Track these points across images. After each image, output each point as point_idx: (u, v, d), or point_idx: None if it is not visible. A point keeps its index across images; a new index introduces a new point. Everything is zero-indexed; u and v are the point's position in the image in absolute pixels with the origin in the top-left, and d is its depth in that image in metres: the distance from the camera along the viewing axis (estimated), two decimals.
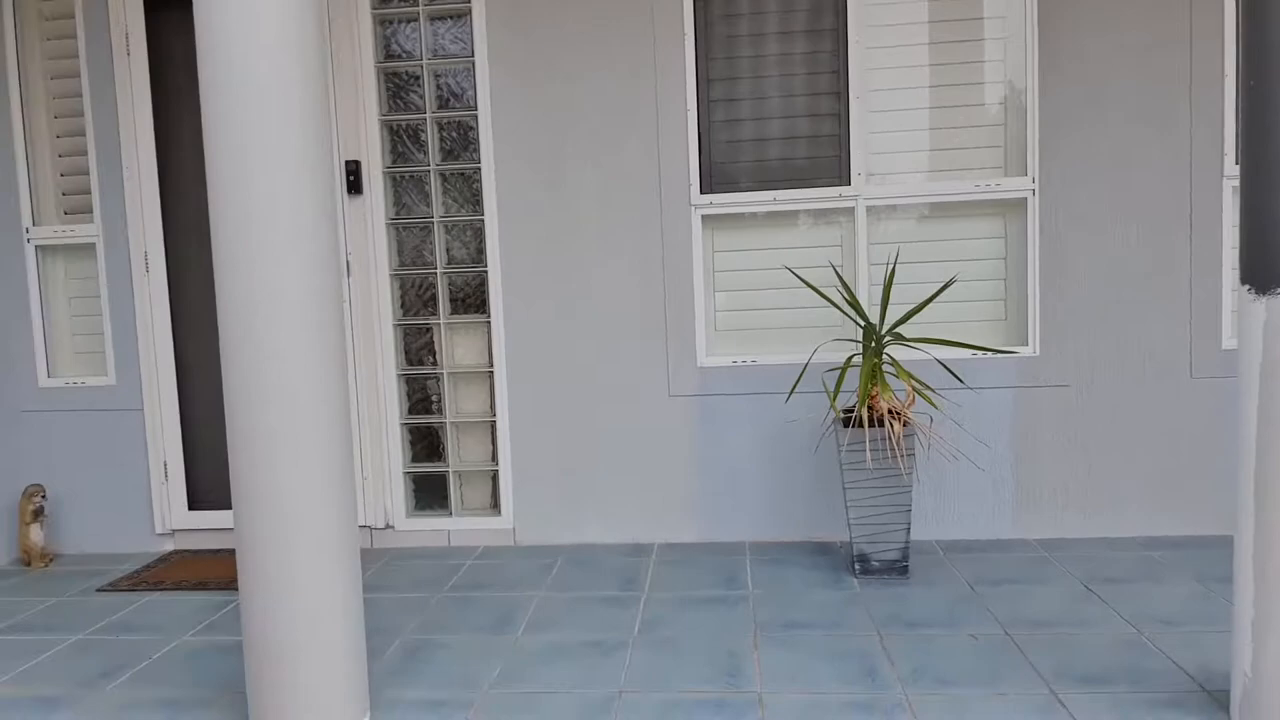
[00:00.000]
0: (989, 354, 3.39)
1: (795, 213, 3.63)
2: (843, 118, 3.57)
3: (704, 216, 3.63)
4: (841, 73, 3.55)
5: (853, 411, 3.13)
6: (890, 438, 3.02)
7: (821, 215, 3.63)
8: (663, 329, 3.62)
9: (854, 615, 2.82)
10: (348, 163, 3.64)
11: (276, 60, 1.97)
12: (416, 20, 3.68)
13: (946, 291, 3.49)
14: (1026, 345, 3.51)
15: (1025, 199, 3.49)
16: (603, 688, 2.40)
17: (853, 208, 3.58)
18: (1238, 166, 3.37)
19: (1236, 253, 3.41)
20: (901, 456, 3.03)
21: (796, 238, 3.65)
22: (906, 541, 3.12)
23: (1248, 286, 1.97)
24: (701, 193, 3.61)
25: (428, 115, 3.70)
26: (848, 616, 2.81)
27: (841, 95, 3.56)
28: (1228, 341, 3.43)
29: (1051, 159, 3.44)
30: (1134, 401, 3.46)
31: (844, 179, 3.58)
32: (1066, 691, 2.27)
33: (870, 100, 3.56)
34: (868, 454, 3.04)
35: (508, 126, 3.63)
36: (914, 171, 3.58)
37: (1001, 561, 3.26)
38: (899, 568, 3.14)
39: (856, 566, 3.17)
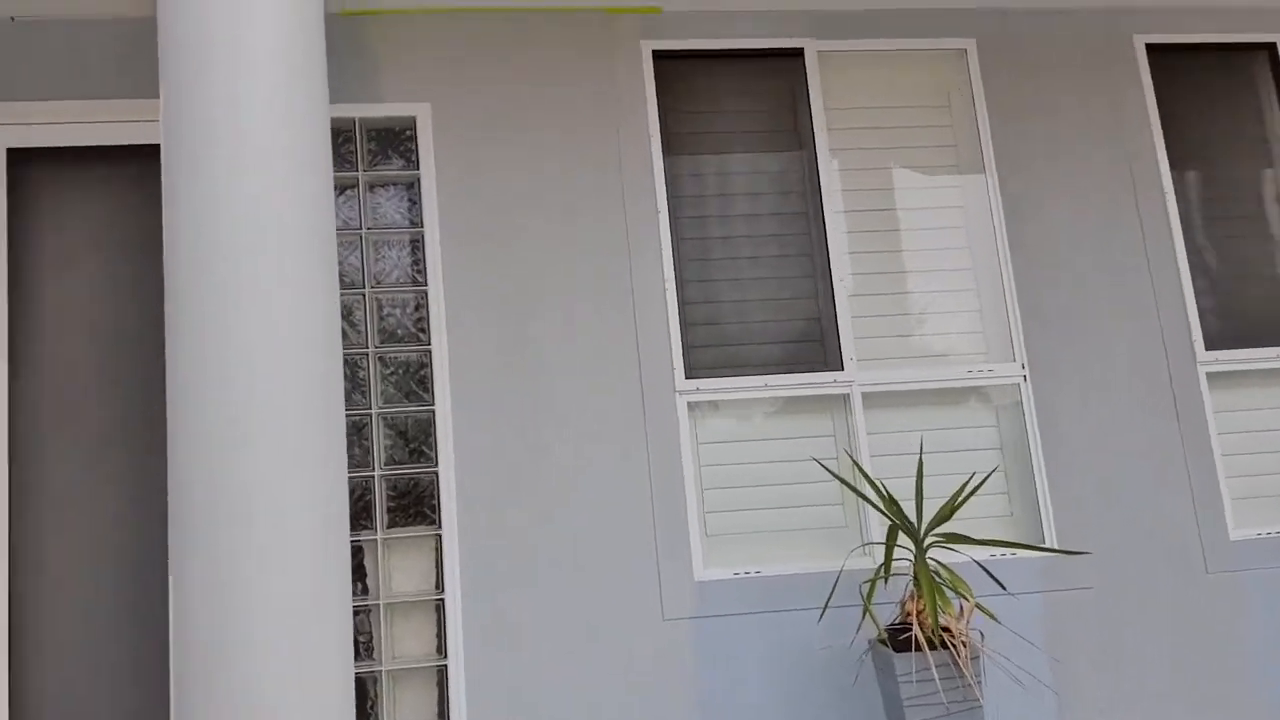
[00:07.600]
0: (1015, 553, 3.07)
1: (782, 400, 3.29)
2: (828, 299, 3.35)
3: (689, 404, 3.21)
4: (819, 254, 3.38)
5: (906, 630, 2.65)
6: (956, 661, 2.55)
7: (810, 403, 3.31)
8: (651, 537, 3.06)
9: None
10: None
11: None
12: (355, 186, 3.20)
13: (934, 484, 3.18)
14: (1044, 540, 3.24)
15: (1017, 384, 3.34)
16: None
17: (847, 394, 3.29)
18: (1210, 353, 3.42)
19: (1223, 439, 3.42)
20: (973, 684, 2.55)
21: (784, 427, 3.29)
22: None
23: None
24: (686, 378, 3.21)
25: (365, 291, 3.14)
26: None
27: (824, 276, 3.36)
28: (1234, 532, 3.30)
29: (1035, 344, 3.35)
30: (1156, 599, 3.21)
31: (835, 364, 3.31)
32: None
33: (854, 283, 3.38)
34: (938, 684, 2.54)
35: (464, 302, 3.13)
36: (903, 356, 3.37)
37: None
38: None
39: None
